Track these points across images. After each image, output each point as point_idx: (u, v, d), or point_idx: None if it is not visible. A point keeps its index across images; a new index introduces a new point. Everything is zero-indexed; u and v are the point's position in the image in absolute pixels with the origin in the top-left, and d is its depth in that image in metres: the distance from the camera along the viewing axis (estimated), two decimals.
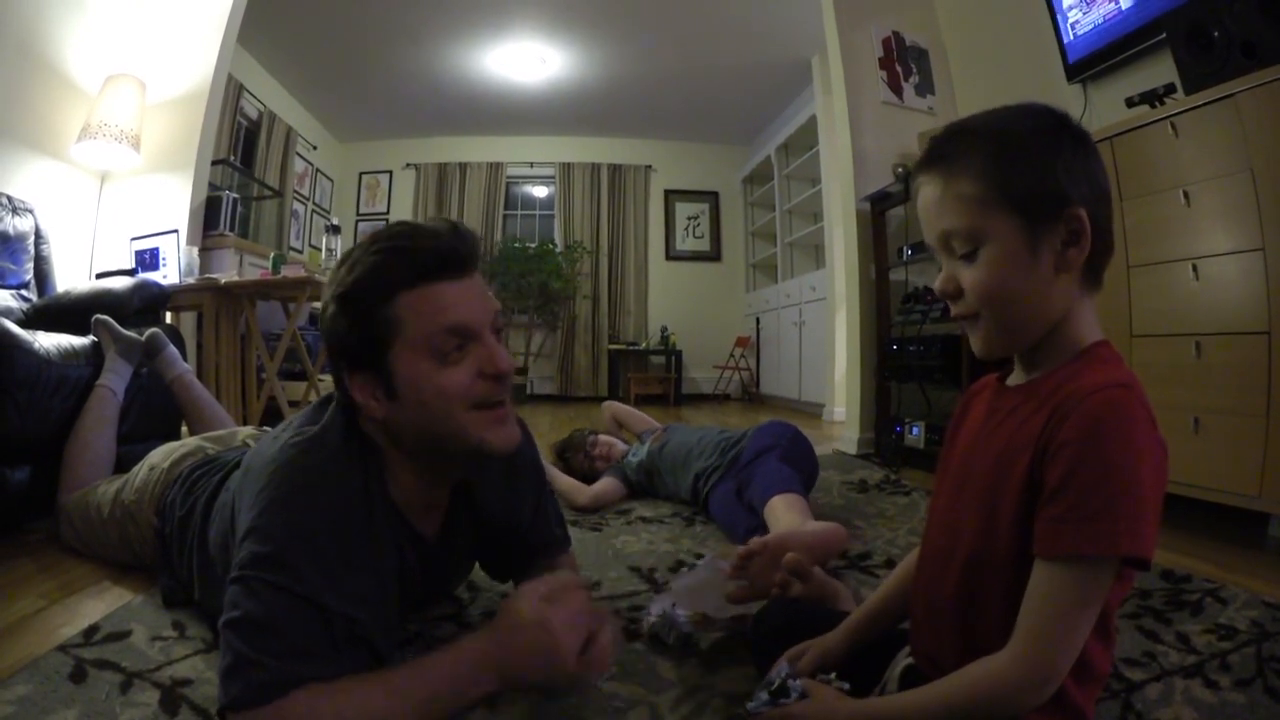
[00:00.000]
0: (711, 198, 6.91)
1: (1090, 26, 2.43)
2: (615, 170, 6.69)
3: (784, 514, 1.42)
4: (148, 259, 2.93)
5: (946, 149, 0.65)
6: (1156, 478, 0.56)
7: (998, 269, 0.62)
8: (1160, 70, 2.14)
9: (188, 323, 3.09)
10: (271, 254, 3.02)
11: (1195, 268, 1.72)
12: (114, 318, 1.82)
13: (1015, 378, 0.69)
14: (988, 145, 0.62)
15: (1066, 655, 0.56)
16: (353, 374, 0.82)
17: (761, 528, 1.45)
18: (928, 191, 0.66)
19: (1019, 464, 0.60)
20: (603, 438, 2.28)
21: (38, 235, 2.36)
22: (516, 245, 6.21)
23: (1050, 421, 0.58)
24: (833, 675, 0.73)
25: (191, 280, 2.88)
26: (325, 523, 0.75)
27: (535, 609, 0.78)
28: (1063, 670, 0.56)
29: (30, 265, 2.31)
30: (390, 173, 6.70)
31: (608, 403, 2.70)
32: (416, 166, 6.65)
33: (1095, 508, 0.54)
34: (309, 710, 0.67)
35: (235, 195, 3.49)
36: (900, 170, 2.86)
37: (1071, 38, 2.52)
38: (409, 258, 0.80)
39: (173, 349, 1.87)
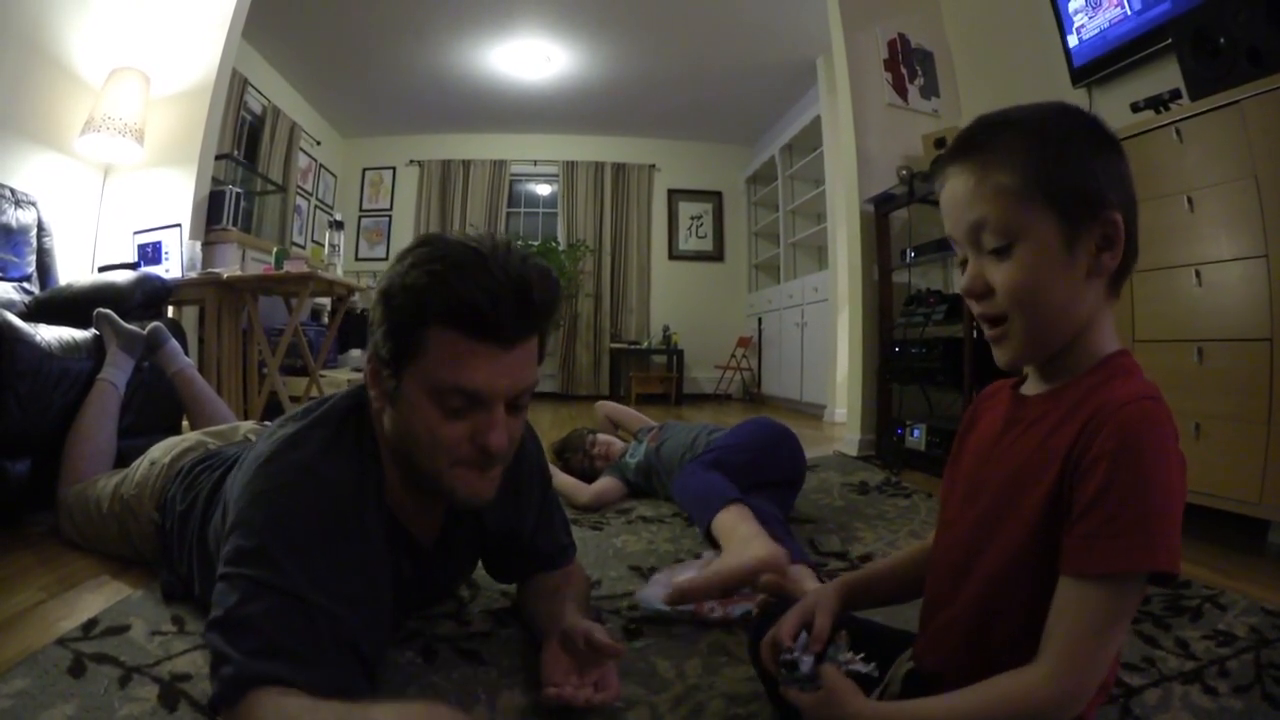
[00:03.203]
0: (715, 197, 6.90)
1: (1096, 31, 2.43)
2: (619, 169, 6.68)
3: (732, 529, 1.33)
4: (150, 253, 2.93)
5: (982, 139, 0.62)
6: (1182, 492, 0.55)
7: (1033, 267, 0.59)
8: (1166, 76, 2.14)
9: (190, 317, 3.09)
10: (274, 249, 3.01)
11: (1198, 273, 1.72)
12: (116, 311, 1.82)
13: (1032, 386, 0.66)
14: (1030, 138, 0.59)
15: (1099, 672, 0.54)
16: (373, 356, 0.81)
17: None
18: (958, 183, 0.62)
19: (1045, 478, 0.58)
20: (601, 437, 2.29)
21: (40, 228, 2.36)
22: (519, 243, 6.16)
23: (1082, 434, 0.56)
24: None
25: (194, 275, 2.88)
26: (310, 517, 0.74)
27: None
28: (1094, 687, 0.54)
29: (32, 258, 2.31)
30: (394, 169, 6.69)
31: (600, 403, 2.71)
32: (420, 163, 6.65)
33: (1131, 522, 0.52)
34: (275, 710, 0.63)
35: (238, 190, 3.48)
36: (904, 172, 2.86)
37: (1077, 42, 2.51)
38: (453, 300, 0.74)
39: (174, 343, 1.88)
